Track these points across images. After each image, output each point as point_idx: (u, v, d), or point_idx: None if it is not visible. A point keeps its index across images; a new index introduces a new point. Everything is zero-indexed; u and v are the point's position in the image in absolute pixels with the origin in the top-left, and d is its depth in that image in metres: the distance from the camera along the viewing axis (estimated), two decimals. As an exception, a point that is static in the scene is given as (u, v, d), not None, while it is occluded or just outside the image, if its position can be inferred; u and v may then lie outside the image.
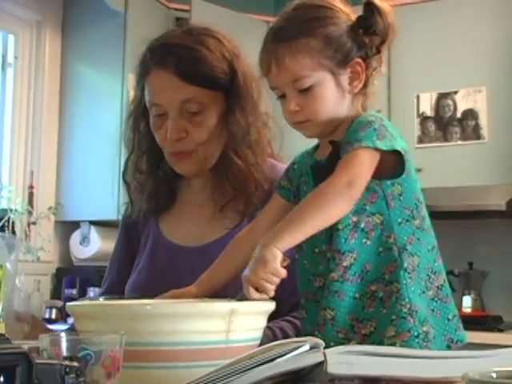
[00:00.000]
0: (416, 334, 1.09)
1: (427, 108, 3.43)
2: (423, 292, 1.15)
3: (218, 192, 1.41)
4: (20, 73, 3.45)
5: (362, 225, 1.11)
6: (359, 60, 1.16)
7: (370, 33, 1.16)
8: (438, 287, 1.16)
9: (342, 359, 0.64)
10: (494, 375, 0.54)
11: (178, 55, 1.33)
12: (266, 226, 1.22)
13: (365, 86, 1.19)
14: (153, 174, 1.45)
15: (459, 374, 0.55)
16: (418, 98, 3.44)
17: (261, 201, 1.35)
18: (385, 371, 0.65)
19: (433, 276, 1.16)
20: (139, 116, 1.43)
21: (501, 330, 2.93)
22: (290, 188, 1.25)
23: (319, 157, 1.21)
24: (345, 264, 1.11)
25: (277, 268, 1.00)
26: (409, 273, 1.12)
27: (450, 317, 1.17)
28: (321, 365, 0.65)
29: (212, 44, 1.36)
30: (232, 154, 1.36)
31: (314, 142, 1.26)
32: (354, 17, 1.18)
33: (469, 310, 3.19)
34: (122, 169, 1.50)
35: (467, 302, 3.21)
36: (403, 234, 1.14)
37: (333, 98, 1.16)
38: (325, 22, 1.16)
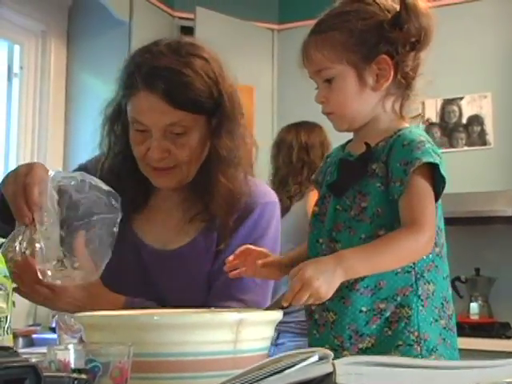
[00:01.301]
0: None
1: (433, 114, 3.42)
2: (436, 320, 1.12)
3: (188, 203, 1.42)
4: (26, 83, 3.46)
5: None
6: (385, 57, 1.15)
7: (401, 31, 1.15)
8: (449, 316, 1.15)
9: (351, 370, 0.63)
10: (506, 386, 0.53)
11: (167, 80, 1.33)
12: None
13: (399, 86, 1.18)
14: (126, 176, 1.45)
15: (470, 385, 0.55)
16: (423, 104, 3.44)
17: (232, 216, 1.38)
18: (394, 382, 0.64)
19: (446, 304, 1.15)
20: (115, 119, 1.44)
21: (509, 337, 2.91)
22: (320, 180, 1.27)
23: (350, 149, 1.21)
24: None
25: (324, 297, 1.01)
26: (422, 300, 1.11)
27: (456, 347, 1.16)
28: (330, 376, 0.65)
29: (199, 66, 1.36)
30: (220, 176, 1.38)
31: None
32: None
33: (476, 317, 3.17)
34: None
35: (474, 308, 3.19)
36: (423, 260, 1.12)
37: (353, 92, 1.16)
38: (352, 16, 1.16)
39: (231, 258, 1.23)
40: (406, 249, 1.06)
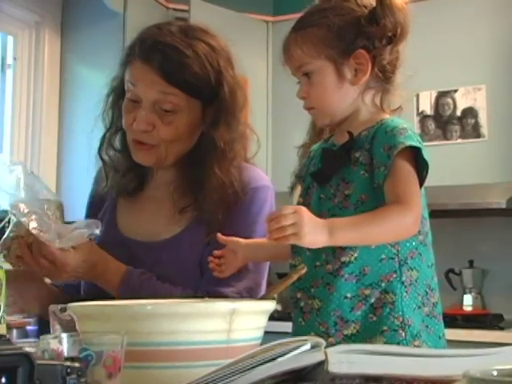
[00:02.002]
0: None
1: (427, 106, 3.42)
2: (419, 307, 1.15)
3: (179, 193, 1.42)
4: (19, 74, 3.45)
5: None
6: (363, 51, 1.17)
7: (378, 26, 1.17)
8: (433, 304, 1.17)
9: (343, 358, 0.64)
10: (495, 373, 0.54)
11: (166, 55, 1.35)
12: None
13: (378, 80, 1.19)
14: (126, 153, 1.46)
15: (460, 372, 0.55)
16: (417, 96, 3.44)
17: (223, 208, 1.39)
18: (386, 370, 0.65)
19: (430, 292, 1.17)
20: (120, 94, 1.45)
21: (501, 328, 2.92)
22: (303, 175, 1.28)
23: (334, 140, 1.23)
24: (342, 259, 1.12)
25: (304, 244, 1.04)
26: (405, 286, 1.13)
27: (440, 335, 1.18)
28: (322, 364, 0.65)
29: (203, 51, 1.37)
30: (216, 168, 1.38)
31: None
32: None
33: (469, 309, 3.18)
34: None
35: (468, 300, 3.21)
36: (407, 247, 1.14)
37: (332, 86, 1.18)
38: (330, 12, 1.19)
39: (216, 254, 1.25)
40: (392, 223, 1.06)
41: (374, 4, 1.18)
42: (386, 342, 1.09)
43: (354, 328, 1.12)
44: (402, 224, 1.07)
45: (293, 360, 0.65)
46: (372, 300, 1.12)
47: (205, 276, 1.38)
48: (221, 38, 1.45)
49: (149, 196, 1.50)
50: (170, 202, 1.44)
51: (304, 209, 1.03)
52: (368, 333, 1.11)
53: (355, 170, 1.15)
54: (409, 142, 1.11)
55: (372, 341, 1.10)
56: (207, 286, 1.34)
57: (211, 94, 1.38)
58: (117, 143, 1.49)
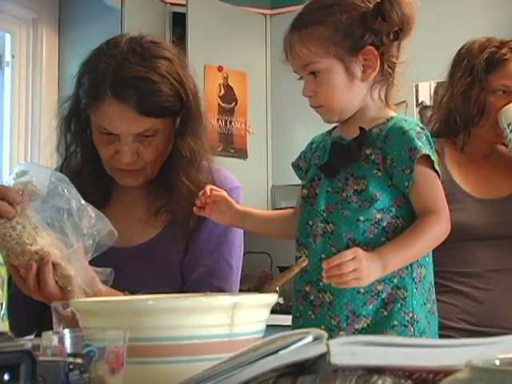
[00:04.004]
0: None
1: (426, 97, 3.42)
2: (424, 304, 1.16)
3: (153, 196, 1.43)
4: (18, 71, 3.44)
5: (384, 223, 1.14)
6: (371, 47, 1.16)
7: (384, 21, 1.16)
8: (433, 301, 1.19)
9: (346, 350, 0.64)
10: (498, 362, 0.54)
11: (137, 89, 1.32)
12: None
13: (384, 74, 1.19)
14: (83, 173, 1.45)
15: (463, 362, 0.55)
16: (416, 87, 3.43)
17: (194, 215, 1.37)
18: (388, 361, 0.65)
19: (432, 289, 1.19)
20: (71, 118, 1.44)
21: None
22: (304, 167, 1.28)
23: (339, 133, 1.22)
24: None
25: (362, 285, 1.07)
26: (416, 283, 1.14)
27: (437, 332, 1.19)
28: (324, 356, 0.65)
29: (164, 68, 1.36)
30: (183, 177, 1.39)
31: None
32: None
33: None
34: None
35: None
36: None
37: (342, 84, 1.17)
38: (335, 9, 1.17)
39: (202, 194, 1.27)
40: (433, 237, 1.11)
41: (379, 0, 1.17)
42: None
43: (365, 322, 1.13)
44: (440, 233, 1.12)
45: (295, 352, 0.65)
46: (384, 295, 1.13)
47: (189, 282, 1.39)
48: (166, 43, 1.44)
49: (119, 200, 1.49)
50: (142, 205, 1.44)
51: (361, 251, 1.05)
52: (379, 327, 1.12)
53: (366, 167, 1.15)
54: (426, 151, 1.13)
55: (383, 335, 1.10)
56: (192, 291, 1.34)
57: (180, 107, 1.38)
58: (74, 166, 1.46)
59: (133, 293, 1.30)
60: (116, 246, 1.42)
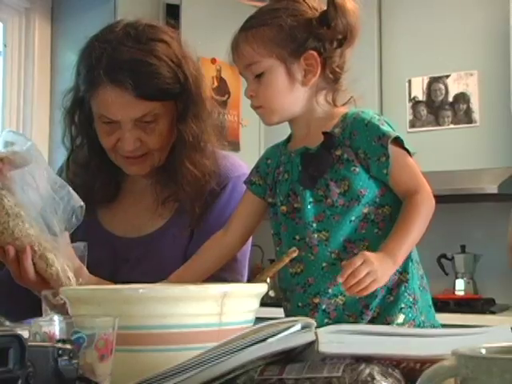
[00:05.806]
0: (418, 323, 1.16)
1: (419, 92, 3.42)
2: (418, 281, 1.19)
3: (160, 186, 1.41)
4: (10, 60, 3.43)
5: (372, 216, 1.16)
6: (313, 52, 1.18)
7: (329, 28, 1.18)
8: (421, 276, 1.21)
9: (333, 338, 0.64)
10: (484, 351, 0.54)
11: (133, 72, 1.30)
12: (240, 227, 1.27)
13: (327, 81, 1.20)
14: (91, 166, 1.44)
15: (449, 352, 0.56)
16: (409, 82, 3.44)
17: (200, 201, 1.37)
18: (376, 350, 0.65)
19: (417, 266, 1.21)
20: (75, 110, 1.42)
21: (493, 312, 2.94)
22: (262, 184, 1.27)
23: (301, 145, 1.22)
24: (355, 251, 1.13)
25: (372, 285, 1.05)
26: (414, 264, 1.17)
27: (430, 304, 1.21)
28: (312, 344, 0.66)
29: (162, 51, 1.34)
30: (187, 162, 1.37)
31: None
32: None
33: (462, 293, 3.21)
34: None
35: (460, 285, 3.23)
36: None
37: (283, 86, 1.19)
38: (282, 12, 1.20)
39: None
40: (425, 216, 1.13)
41: (325, 7, 1.19)
42: (405, 319, 1.14)
43: (375, 311, 1.15)
44: (430, 208, 1.13)
45: (283, 341, 0.65)
46: (389, 283, 1.15)
47: None
48: (164, 26, 1.43)
49: (127, 189, 1.48)
50: (150, 195, 1.43)
51: (368, 254, 1.06)
52: (388, 312, 1.15)
53: (343, 168, 1.16)
54: (393, 134, 1.15)
55: (393, 318, 1.14)
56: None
57: (180, 90, 1.36)
58: (80, 159, 1.45)
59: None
60: (123, 236, 1.42)
